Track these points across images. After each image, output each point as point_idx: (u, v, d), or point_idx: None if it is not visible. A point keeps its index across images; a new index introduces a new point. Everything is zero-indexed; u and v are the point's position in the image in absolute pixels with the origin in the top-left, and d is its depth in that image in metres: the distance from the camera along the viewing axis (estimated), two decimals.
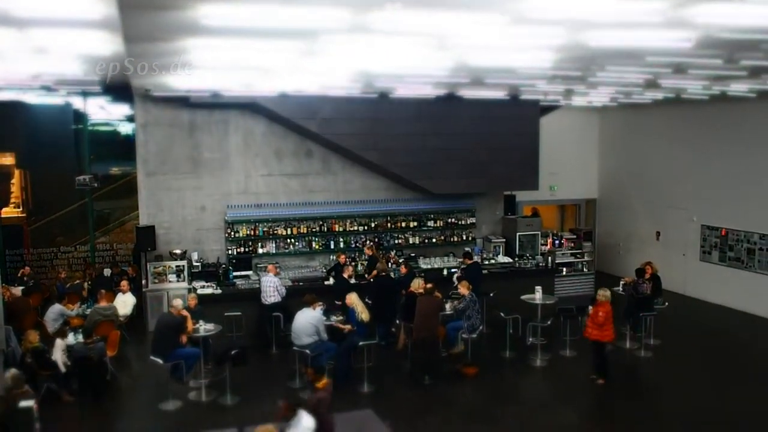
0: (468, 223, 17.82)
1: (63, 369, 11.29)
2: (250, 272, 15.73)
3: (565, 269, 16.85)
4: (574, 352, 13.34)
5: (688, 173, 18.11)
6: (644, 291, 13.89)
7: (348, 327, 12.16)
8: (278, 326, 13.65)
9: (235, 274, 15.49)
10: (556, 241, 17.66)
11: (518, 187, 18.21)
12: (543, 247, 17.56)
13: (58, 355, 11.33)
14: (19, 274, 16.39)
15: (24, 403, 8.57)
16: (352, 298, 12.35)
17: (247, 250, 16.17)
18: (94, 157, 19.12)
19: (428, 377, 11.98)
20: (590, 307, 12.31)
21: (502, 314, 13.56)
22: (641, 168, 19.67)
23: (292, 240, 16.49)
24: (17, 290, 14.54)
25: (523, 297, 14.01)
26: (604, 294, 12.00)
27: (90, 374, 11.34)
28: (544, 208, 20.90)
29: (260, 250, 16.23)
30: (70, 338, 11.99)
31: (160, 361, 11.17)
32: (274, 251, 16.33)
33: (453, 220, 17.69)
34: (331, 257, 16.51)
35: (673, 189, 18.59)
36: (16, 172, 21.72)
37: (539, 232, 17.72)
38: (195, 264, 15.53)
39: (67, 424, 10.68)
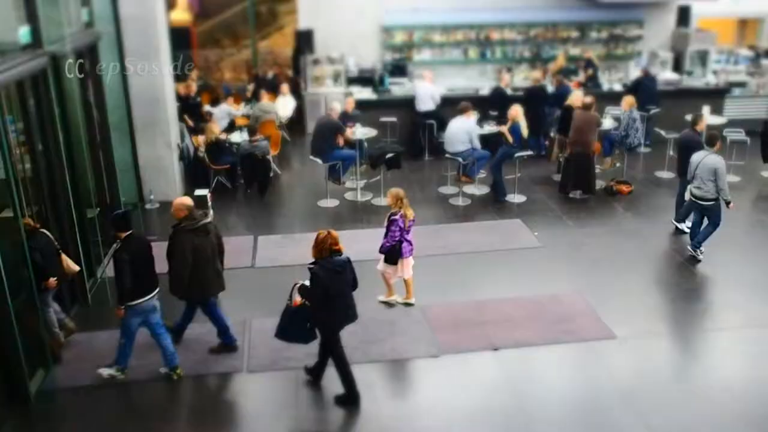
0: (634, 35, 16.78)
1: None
2: (404, 79, 15.74)
3: (738, 90, 15.59)
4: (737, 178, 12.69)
5: None
6: None
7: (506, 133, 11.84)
8: (431, 133, 13.80)
9: (390, 80, 15.57)
10: (731, 59, 16.35)
11: None
12: (715, 65, 16.35)
13: (202, 148, 12.19)
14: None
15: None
16: (517, 112, 11.76)
17: (402, 56, 16.26)
18: None
19: (579, 192, 11.88)
20: None
21: (662, 133, 13.04)
22: None
23: (448, 48, 16.38)
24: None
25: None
26: None
27: (255, 170, 12.09)
28: (720, 23, 19.16)
29: (415, 57, 16.25)
30: (236, 136, 12.74)
31: (319, 161, 11.73)
32: (429, 59, 16.30)
33: (618, 31, 16.72)
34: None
35: None
36: None
37: (712, 48, 16.45)
38: (351, 69, 15.75)
39: (237, 212, 11.67)
